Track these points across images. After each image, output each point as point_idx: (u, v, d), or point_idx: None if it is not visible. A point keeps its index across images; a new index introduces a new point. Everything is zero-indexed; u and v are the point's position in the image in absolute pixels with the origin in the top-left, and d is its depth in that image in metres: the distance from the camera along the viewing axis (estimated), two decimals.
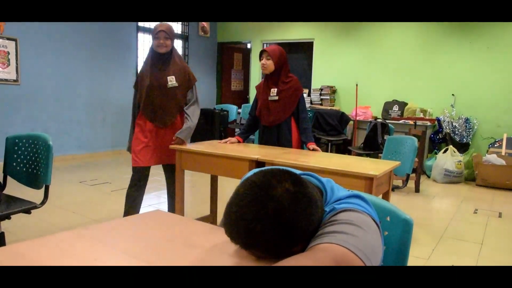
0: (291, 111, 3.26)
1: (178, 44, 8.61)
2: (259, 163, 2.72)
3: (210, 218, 3.53)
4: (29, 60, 5.94)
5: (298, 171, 1.19)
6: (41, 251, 1.09)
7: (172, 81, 3.11)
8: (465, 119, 6.64)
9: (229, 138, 3.44)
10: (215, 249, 1.13)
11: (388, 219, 1.37)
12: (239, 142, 3.40)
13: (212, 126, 6.58)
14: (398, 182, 4.89)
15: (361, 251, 0.91)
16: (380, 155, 4.86)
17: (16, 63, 5.79)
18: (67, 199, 4.40)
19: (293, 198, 0.92)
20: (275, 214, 0.91)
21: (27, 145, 2.65)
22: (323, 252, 0.90)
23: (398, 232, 1.33)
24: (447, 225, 4.02)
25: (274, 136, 3.30)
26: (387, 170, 2.48)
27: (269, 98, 3.26)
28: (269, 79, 3.31)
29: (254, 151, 2.99)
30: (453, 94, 6.83)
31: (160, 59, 3.11)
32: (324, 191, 1.09)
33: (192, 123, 3.18)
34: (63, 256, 1.07)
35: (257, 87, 3.46)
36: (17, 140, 2.68)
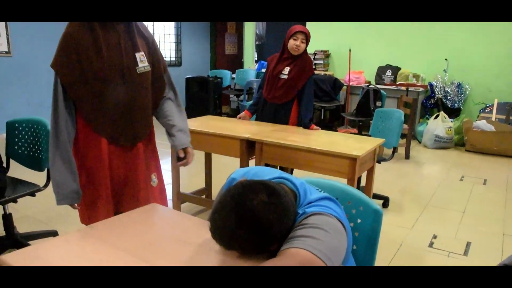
0: (295, 92, 3.24)
1: None
2: (249, 142, 2.84)
3: (205, 192, 3.69)
4: (20, 30, 5.91)
5: (276, 174, 1.31)
6: (53, 252, 1.23)
7: (143, 61, 1.81)
8: (457, 84, 6.71)
9: (240, 114, 3.51)
10: (204, 245, 1.28)
11: (362, 208, 1.52)
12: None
13: (207, 93, 6.65)
14: (388, 151, 5.03)
15: (325, 255, 1.06)
16: (371, 122, 4.97)
17: (7, 35, 5.77)
18: None
19: (267, 208, 1.06)
20: (252, 222, 1.05)
21: (27, 129, 2.75)
22: (292, 257, 1.05)
23: (369, 221, 1.49)
24: (433, 193, 4.20)
25: (271, 113, 3.35)
26: (370, 150, 2.61)
27: (280, 76, 3.24)
28: (285, 57, 3.25)
29: (246, 129, 3.10)
30: (446, 59, 6.87)
31: (119, 22, 1.73)
32: (297, 194, 1.22)
33: (185, 124, 2.00)
34: (72, 256, 1.20)
35: (269, 60, 3.40)
36: (17, 125, 2.78)
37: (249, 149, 2.89)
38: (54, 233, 2.97)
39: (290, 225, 1.14)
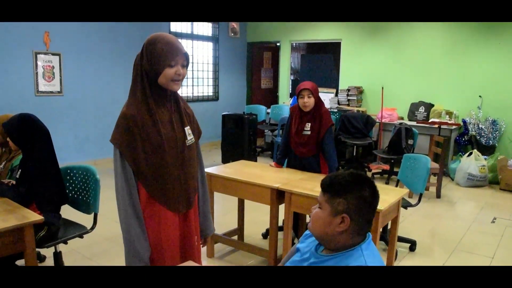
0: (319, 145, 3.43)
1: (208, 47, 8.92)
2: (279, 192, 3.04)
3: (238, 232, 3.88)
4: (71, 72, 6.42)
5: None
6: None
7: (190, 134, 1.98)
8: (492, 121, 6.68)
9: (271, 164, 3.72)
10: None
11: None
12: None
13: (242, 130, 6.91)
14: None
15: None
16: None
17: (60, 76, 6.28)
18: (109, 205, 4.79)
19: (366, 195, 1.43)
20: (356, 179, 1.44)
21: (77, 175, 3.06)
22: None
23: None
24: (462, 236, 4.21)
25: (301, 164, 3.53)
26: (393, 203, 2.74)
27: (303, 132, 3.44)
28: (304, 114, 3.45)
29: (277, 177, 3.30)
30: (480, 96, 6.87)
31: (168, 100, 1.93)
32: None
33: (207, 205, 2.19)
34: None
35: (291, 110, 3.60)
36: (68, 171, 3.09)
37: (279, 197, 3.08)
38: None
39: (356, 218, 1.41)
